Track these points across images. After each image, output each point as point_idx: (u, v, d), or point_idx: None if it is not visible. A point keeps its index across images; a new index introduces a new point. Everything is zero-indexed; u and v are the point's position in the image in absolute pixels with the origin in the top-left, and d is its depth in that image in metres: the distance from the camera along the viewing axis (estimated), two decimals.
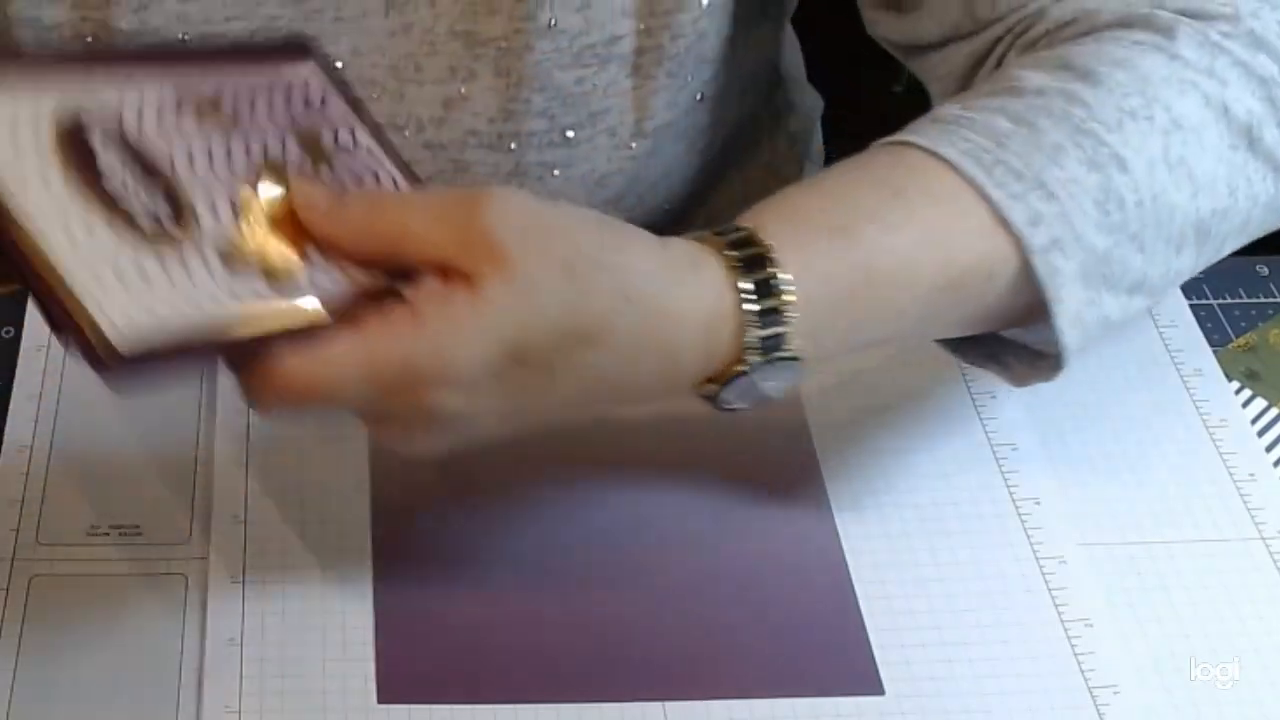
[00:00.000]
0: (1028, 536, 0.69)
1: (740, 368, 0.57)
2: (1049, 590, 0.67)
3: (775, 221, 0.58)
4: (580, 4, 0.75)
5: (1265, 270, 0.84)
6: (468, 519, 0.68)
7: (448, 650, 0.64)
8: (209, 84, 0.59)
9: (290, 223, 0.56)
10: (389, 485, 0.69)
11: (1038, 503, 0.71)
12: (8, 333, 0.75)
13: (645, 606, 0.66)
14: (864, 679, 0.64)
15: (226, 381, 0.72)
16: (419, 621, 0.65)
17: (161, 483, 0.69)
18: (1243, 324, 0.81)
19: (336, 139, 0.61)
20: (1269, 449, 0.74)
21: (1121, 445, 0.73)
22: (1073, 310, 0.60)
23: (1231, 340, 0.80)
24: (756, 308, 0.56)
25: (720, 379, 0.58)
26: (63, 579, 0.65)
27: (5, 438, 0.70)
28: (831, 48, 1.07)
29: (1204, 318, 0.80)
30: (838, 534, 0.69)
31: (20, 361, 0.73)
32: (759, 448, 0.72)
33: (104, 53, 0.57)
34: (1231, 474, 0.72)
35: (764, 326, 0.56)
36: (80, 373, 0.73)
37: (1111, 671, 0.64)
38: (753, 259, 0.57)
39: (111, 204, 0.53)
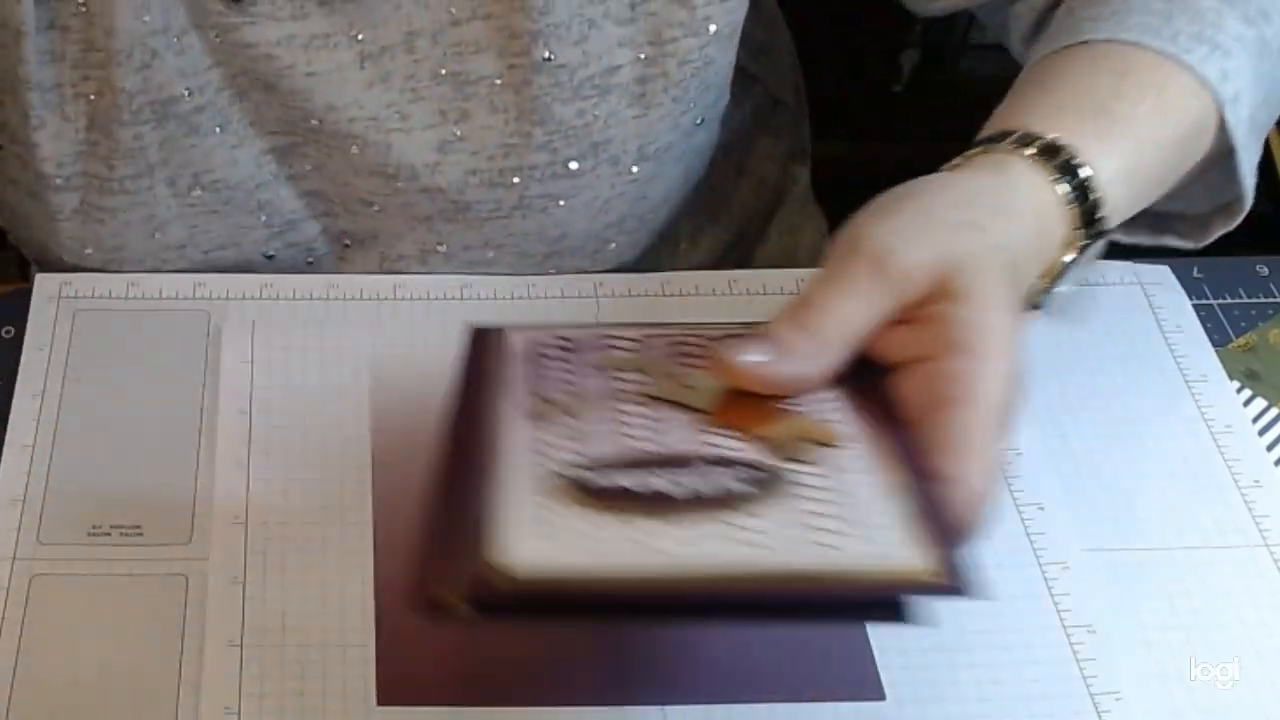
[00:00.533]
0: (1030, 542, 0.69)
1: (1069, 255, 0.61)
2: (1051, 596, 0.67)
3: (1038, 118, 0.63)
4: (578, 38, 0.74)
5: (1265, 270, 0.84)
6: None
7: (447, 652, 0.64)
8: (524, 398, 0.56)
9: (749, 407, 0.55)
10: (390, 486, 0.69)
11: (1041, 508, 0.70)
12: (8, 332, 0.75)
13: None
14: (865, 684, 0.64)
15: (227, 382, 0.72)
16: (419, 623, 0.65)
17: (162, 483, 0.69)
18: (1243, 324, 0.81)
19: (622, 349, 0.59)
20: (1270, 448, 0.74)
21: (1125, 451, 0.73)
22: (1246, 157, 0.68)
23: (1231, 340, 0.80)
24: (1071, 190, 0.61)
25: (1050, 273, 0.61)
26: (63, 579, 0.65)
27: (7, 437, 0.70)
28: (831, 48, 1.07)
29: (1204, 317, 0.80)
30: None
31: (22, 361, 0.73)
32: None
33: (470, 454, 0.54)
34: (1236, 480, 0.72)
35: (1084, 205, 0.61)
36: (82, 373, 0.73)
37: (1114, 678, 0.64)
38: (1044, 149, 0.61)
39: (705, 503, 0.50)
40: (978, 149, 0.62)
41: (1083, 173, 0.61)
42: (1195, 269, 0.83)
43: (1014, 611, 0.66)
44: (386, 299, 0.78)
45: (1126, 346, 0.78)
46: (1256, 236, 0.80)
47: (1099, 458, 0.73)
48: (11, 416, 0.71)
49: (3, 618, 0.64)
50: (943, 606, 0.66)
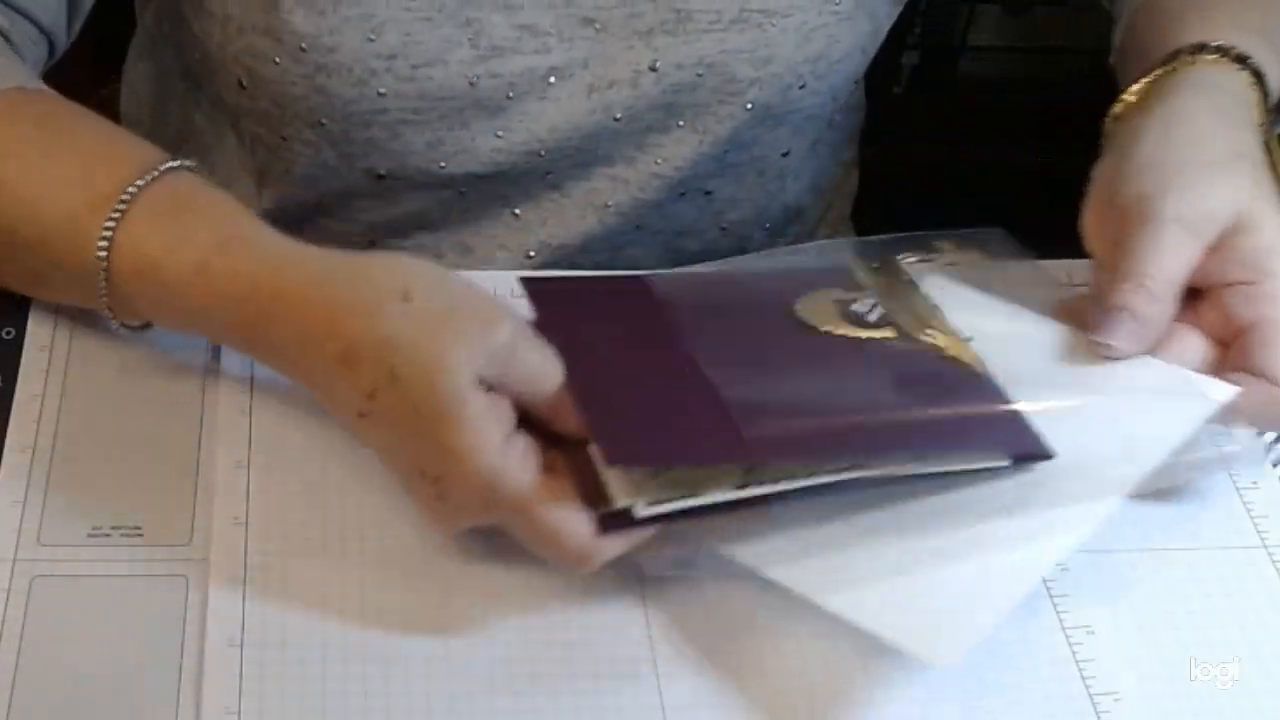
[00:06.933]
0: None
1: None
2: (1050, 597, 0.67)
3: (1218, 35, 0.74)
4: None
5: None
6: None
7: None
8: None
9: None
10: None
11: None
12: (9, 333, 0.75)
13: None
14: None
15: (228, 382, 0.73)
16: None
17: (163, 484, 0.69)
18: None
19: None
20: (1267, 450, 0.74)
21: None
22: None
23: None
24: (1263, 92, 0.73)
25: None
26: (64, 580, 0.65)
27: (7, 439, 0.70)
28: None
29: None
30: None
31: (23, 362, 0.73)
32: None
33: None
34: (1234, 481, 0.72)
35: (1269, 102, 0.73)
36: (82, 374, 0.73)
37: (1112, 679, 0.64)
38: (1238, 58, 0.73)
39: None
40: (1181, 61, 0.73)
41: (1267, 75, 0.73)
42: None
43: (1012, 612, 0.66)
44: None
45: None
46: None
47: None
48: (12, 417, 0.71)
49: (3, 618, 0.64)
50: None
